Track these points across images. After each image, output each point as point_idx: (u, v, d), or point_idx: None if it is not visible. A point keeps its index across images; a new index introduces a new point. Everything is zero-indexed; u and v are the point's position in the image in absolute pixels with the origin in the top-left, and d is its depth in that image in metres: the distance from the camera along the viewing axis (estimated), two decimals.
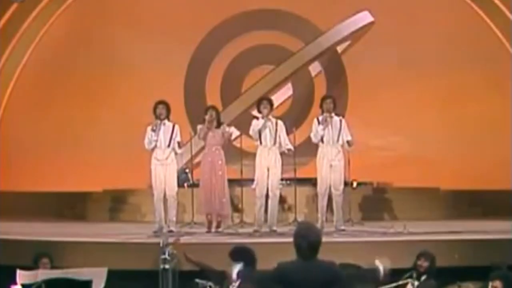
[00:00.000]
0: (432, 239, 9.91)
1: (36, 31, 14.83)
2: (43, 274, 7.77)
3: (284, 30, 14.77)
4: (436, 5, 14.41)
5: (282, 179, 11.55)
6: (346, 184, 11.26)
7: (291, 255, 6.11)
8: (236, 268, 6.72)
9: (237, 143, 12.56)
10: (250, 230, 10.73)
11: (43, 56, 14.85)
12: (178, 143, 10.66)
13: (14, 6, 14.37)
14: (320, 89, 14.49)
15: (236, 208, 12.03)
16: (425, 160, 14.14)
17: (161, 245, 8.27)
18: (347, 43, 14.81)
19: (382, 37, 14.37)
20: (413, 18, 14.39)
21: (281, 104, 14.67)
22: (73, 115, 14.60)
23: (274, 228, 10.67)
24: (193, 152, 12.06)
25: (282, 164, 10.79)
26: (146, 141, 10.58)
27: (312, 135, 10.78)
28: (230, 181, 11.21)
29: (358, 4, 14.40)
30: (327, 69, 15.04)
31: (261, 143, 10.67)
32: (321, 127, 10.63)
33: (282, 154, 10.78)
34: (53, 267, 8.44)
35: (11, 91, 14.90)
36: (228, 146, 11.14)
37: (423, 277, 7.98)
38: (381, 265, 6.41)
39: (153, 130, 10.49)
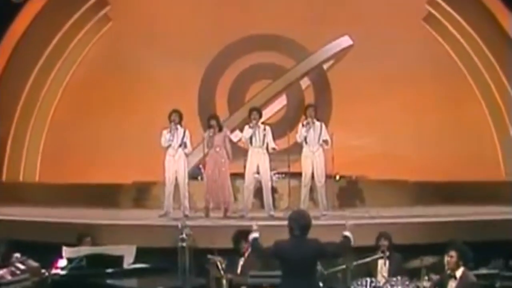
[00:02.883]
0: (400, 222, 10.05)
1: (78, 54, 14.91)
2: (84, 250, 7.92)
3: (280, 51, 14.84)
4: (404, 32, 14.44)
5: (277, 173, 11.64)
6: (329, 177, 11.36)
7: (285, 235, 6.29)
8: (254, 234, 6.75)
9: (241, 144, 12.65)
10: (249, 215, 10.74)
11: (84, 74, 14.88)
12: (185, 143, 10.91)
13: (62, 32, 14.50)
14: (309, 99, 14.56)
15: (238, 197, 12.09)
16: (395, 157, 14.14)
17: (179, 227, 8.36)
18: (331, 61, 14.89)
19: (360, 57, 14.42)
20: (386, 41, 14.43)
21: (277, 112, 14.81)
22: (108, 121, 14.61)
23: (271, 213, 10.77)
24: (205, 152, 12.14)
25: (270, 161, 10.95)
26: (162, 140, 10.89)
27: (297, 136, 10.94)
28: (235, 175, 11.32)
29: (341, 30, 14.48)
30: (315, 83, 15.10)
31: (251, 144, 10.84)
32: (304, 129, 10.78)
33: (270, 154, 10.93)
34: (93, 244, 8.59)
35: (58, 102, 14.92)
36: (232, 146, 11.27)
37: (387, 253, 8.22)
38: (349, 233, 6.54)
39: (170, 132, 10.78)
